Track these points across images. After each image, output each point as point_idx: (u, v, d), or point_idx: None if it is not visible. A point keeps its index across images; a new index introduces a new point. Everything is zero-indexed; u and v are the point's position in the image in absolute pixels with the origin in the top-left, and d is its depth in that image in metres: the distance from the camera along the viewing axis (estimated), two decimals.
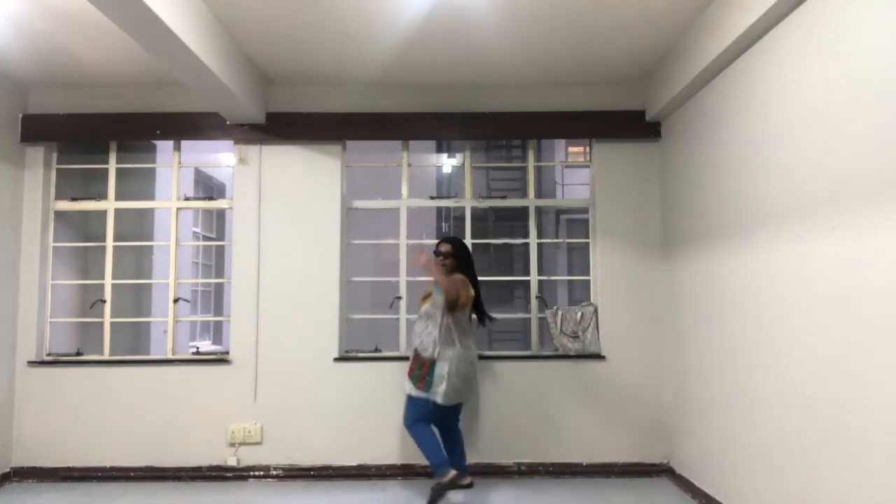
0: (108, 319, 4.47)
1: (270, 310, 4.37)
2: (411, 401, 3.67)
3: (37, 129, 4.45)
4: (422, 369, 3.60)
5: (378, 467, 4.26)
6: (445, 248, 3.75)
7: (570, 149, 10.36)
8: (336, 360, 4.34)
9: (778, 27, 2.86)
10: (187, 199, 4.69)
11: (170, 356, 4.44)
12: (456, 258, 3.74)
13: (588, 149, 4.73)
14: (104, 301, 4.48)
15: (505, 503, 3.80)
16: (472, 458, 4.27)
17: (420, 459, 4.26)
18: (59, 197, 4.58)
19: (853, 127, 2.34)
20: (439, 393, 3.54)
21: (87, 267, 4.93)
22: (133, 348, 4.99)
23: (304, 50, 3.92)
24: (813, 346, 2.58)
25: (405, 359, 4.41)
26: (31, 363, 4.34)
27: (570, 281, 8.22)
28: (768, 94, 2.96)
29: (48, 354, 4.45)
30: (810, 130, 2.62)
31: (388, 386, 4.33)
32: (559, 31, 3.66)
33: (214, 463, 4.27)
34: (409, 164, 4.69)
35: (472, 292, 3.69)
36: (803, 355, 2.65)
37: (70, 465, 4.27)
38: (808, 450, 2.63)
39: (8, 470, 4.25)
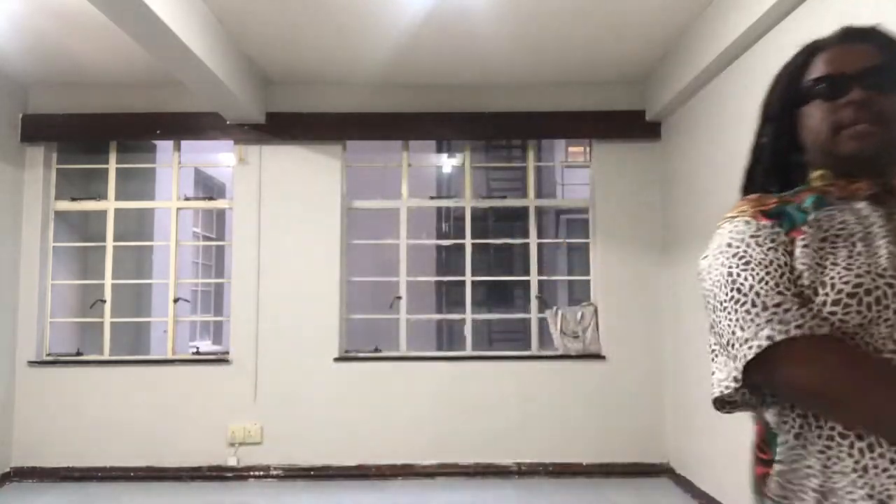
0: (108, 319, 4.47)
1: (270, 310, 4.36)
2: None
3: (37, 129, 4.45)
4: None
5: (378, 467, 4.26)
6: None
7: (570, 149, 10.34)
8: (336, 360, 4.34)
9: (778, 27, 2.86)
10: (187, 199, 4.69)
11: (170, 356, 4.44)
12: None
13: (588, 149, 4.72)
14: (104, 301, 4.48)
15: (505, 503, 3.80)
16: (472, 458, 4.28)
17: (420, 459, 4.27)
18: (59, 197, 4.57)
19: None
20: None
21: (87, 267, 4.93)
22: (133, 348, 4.99)
23: (305, 50, 3.92)
24: None
25: (406, 359, 4.43)
26: (31, 363, 4.33)
27: (570, 281, 8.22)
28: None
29: (48, 354, 4.44)
30: None
31: (388, 386, 4.34)
32: (559, 31, 3.65)
33: (214, 463, 4.27)
34: (409, 164, 4.69)
35: None
36: None
37: (70, 465, 4.26)
38: None
39: (8, 470, 4.25)
